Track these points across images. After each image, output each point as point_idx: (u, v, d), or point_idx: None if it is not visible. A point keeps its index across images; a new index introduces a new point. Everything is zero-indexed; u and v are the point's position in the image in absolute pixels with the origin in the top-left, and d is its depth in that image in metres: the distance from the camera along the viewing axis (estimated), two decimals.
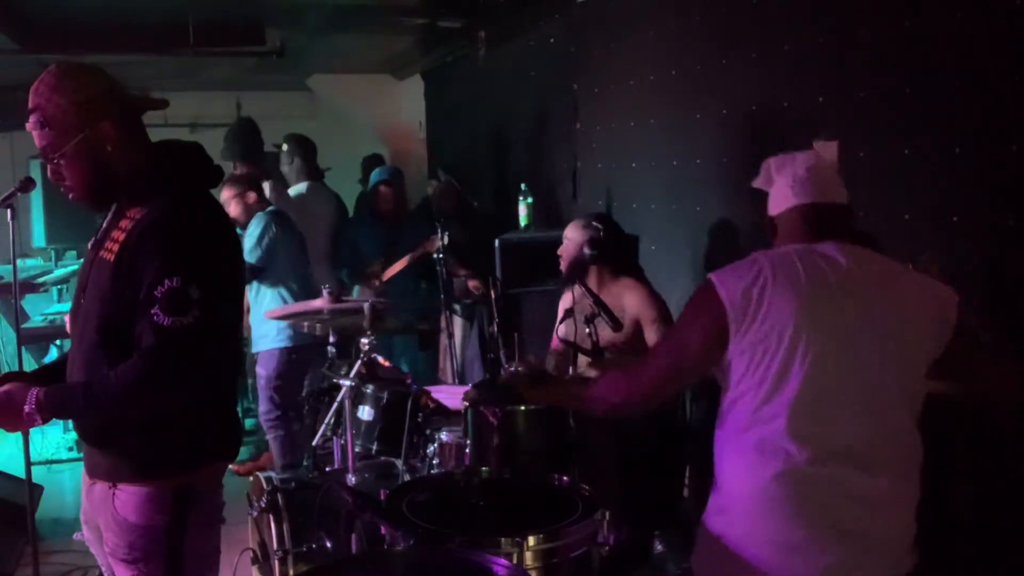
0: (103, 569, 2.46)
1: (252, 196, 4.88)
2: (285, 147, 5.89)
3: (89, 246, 2.36)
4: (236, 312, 2.41)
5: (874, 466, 2.05)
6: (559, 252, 3.82)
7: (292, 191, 5.79)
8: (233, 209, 4.81)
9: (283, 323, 4.71)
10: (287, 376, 4.89)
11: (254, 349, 5.00)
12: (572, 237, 3.77)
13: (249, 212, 4.86)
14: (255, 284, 4.87)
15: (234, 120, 5.88)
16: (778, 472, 2.04)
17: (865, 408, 2.05)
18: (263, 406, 4.94)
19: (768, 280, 2.08)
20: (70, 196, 2.27)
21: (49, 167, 2.23)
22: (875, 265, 2.16)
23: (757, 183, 2.32)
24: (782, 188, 2.23)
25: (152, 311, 2.09)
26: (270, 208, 4.92)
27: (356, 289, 5.72)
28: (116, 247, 2.19)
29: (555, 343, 3.85)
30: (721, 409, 2.18)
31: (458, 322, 5.63)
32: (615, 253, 3.78)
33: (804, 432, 2.04)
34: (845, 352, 2.06)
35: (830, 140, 2.26)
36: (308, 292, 4.82)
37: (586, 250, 3.69)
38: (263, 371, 4.88)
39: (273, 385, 4.86)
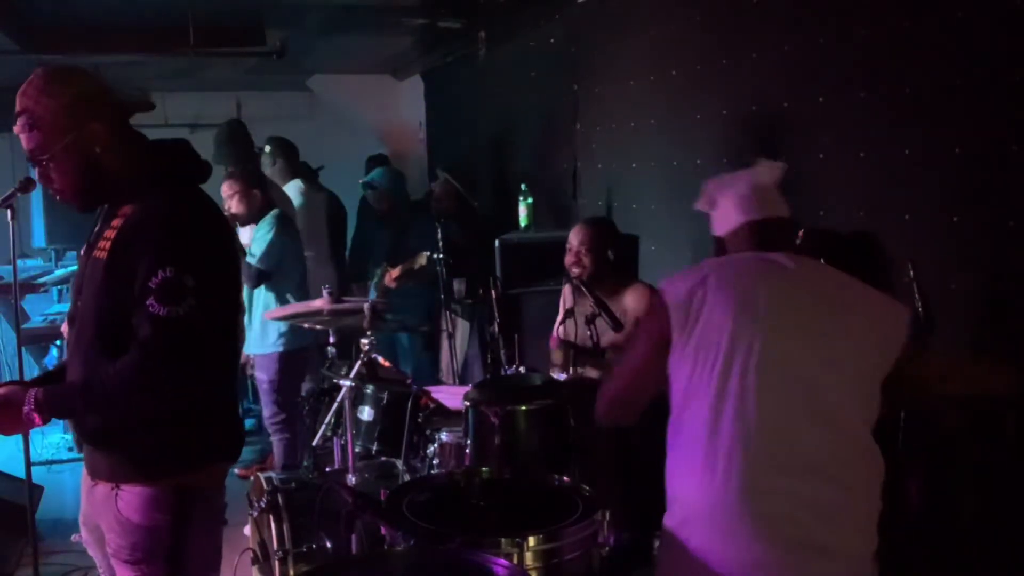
0: (102, 571, 2.46)
1: (258, 195, 4.86)
2: (267, 149, 5.92)
3: (82, 251, 2.36)
4: (233, 305, 2.41)
5: (830, 477, 2.02)
6: (575, 262, 3.73)
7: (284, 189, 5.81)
8: (236, 205, 4.78)
9: (280, 327, 4.72)
10: (288, 379, 4.89)
11: (249, 351, 4.98)
12: (592, 241, 3.70)
13: (253, 210, 4.83)
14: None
15: (219, 126, 5.82)
16: (730, 486, 2.01)
17: (818, 419, 2.02)
18: (268, 410, 4.93)
19: (710, 285, 2.08)
20: (58, 197, 2.28)
21: (38, 169, 2.23)
22: (825, 277, 2.16)
23: (699, 206, 2.34)
24: (727, 209, 2.24)
25: (147, 302, 2.09)
26: (277, 211, 4.88)
27: (374, 283, 5.72)
28: (108, 244, 2.19)
29: (553, 342, 3.85)
30: (670, 423, 2.17)
31: (458, 322, 5.64)
32: (621, 252, 3.79)
33: (756, 443, 2.01)
34: (793, 362, 2.03)
35: (776, 160, 2.31)
36: (305, 294, 4.82)
37: (609, 252, 3.68)
38: (264, 375, 4.87)
39: (276, 388, 4.86)
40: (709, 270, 2.13)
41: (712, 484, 2.03)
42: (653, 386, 2.25)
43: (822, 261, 2.29)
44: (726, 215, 2.24)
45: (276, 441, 4.96)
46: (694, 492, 2.07)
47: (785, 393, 2.03)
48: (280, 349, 4.79)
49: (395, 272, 5.45)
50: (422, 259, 5.16)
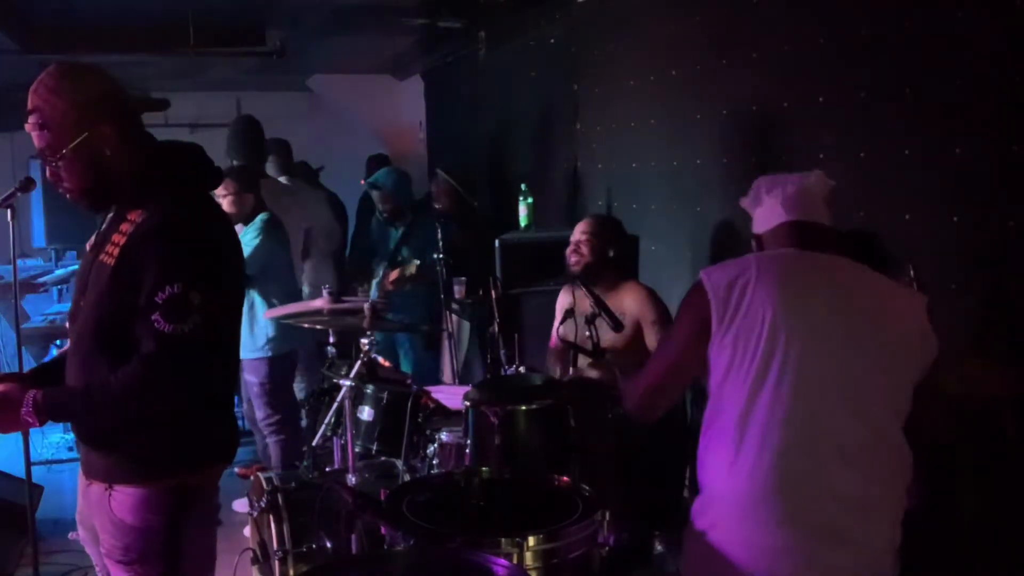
0: (99, 570, 2.46)
1: (251, 198, 4.85)
2: None
3: (87, 248, 2.36)
4: (235, 315, 2.41)
5: (860, 468, 2.05)
6: (574, 249, 3.74)
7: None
8: (228, 206, 4.76)
9: (269, 331, 4.73)
10: (279, 380, 4.90)
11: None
12: (597, 233, 3.71)
13: (243, 213, 4.81)
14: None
15: (234, 119, 5.84)
16: (761, 471, 2.04)
17: (853, 410, 2.05)
18: (261, 412, 4.90)
19: (753, 276, 2.10)
20: (67, 197, 2.27)
21: (47, 168, 2.23)
22: (864, 277, 2.18)
23: (745, 203, 2.36)
24: (772, 207, 2.26)
25: (153, 317, 2.09)
26: (265, 215, 4.88)
27: (376, 282, 5.73)
28: (116, 251, 2.18)
29: (553, 342, 3.85)
30: (707, 412, 2.18)
31: (459, 322, 5.63)
32: (624, 255, 3.79)
33: (790, 430, 2.03)
34: (830, 353, 2.06)
35: (830, 179, 2.36)
36: (294, 297, 4.82)
37: (611, 250, 3.68)
38: (255, 378, 4.85)
39: (268, 391, 4.85)
40: (753, 263, 2.15)
41: (742, 470, 2.06)
42: (690, 376, 2.28)
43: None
44: (769, 213, 2.27)
45: (272, 443, 4.95)
46: (725, 478, 2.10)
47: (821, 386, 2.05)
48: (270, 354, 4.79)
49: (392, 275, 5.47)
50: (412, 267, 5.26)
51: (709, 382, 2.17)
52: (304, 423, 4.97)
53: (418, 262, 5.15)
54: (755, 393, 2.06)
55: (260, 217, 4.83)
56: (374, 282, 5.77)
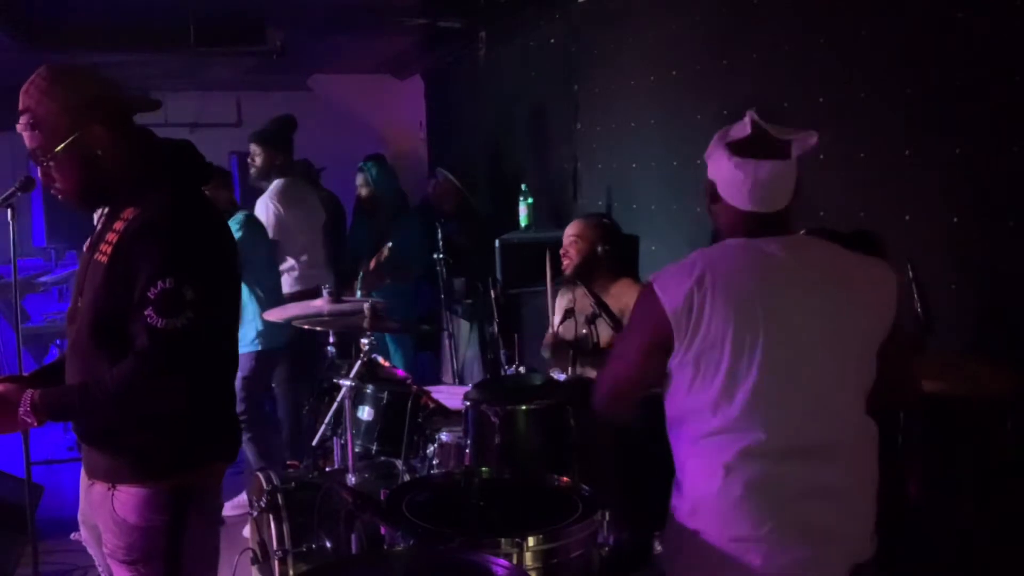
0: (101, 570, 2.46)
1: (224, 195, 4.81)
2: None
3: (84, 249, 2.36)
4: (233, 311, 2.40)
5: (831, 457, 2.05)
6: (565, 250, 3.79)
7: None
8: None
9: (258, 325, 4.74)
10: (260, 376, 4.92)
11: None
12: (583, 235, 3.75)
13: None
14: None
15: (280, 115, 5.86)
16: (739, 473, 2.03)
17: (819, 401, 2.05)
18: (237, 407, 4.87)
19: (708, 287, 2.04)
20: (60, 197, 2.27)
21: (39, 169, 2.23)
22: (819, 255, 2.14)
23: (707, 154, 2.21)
24: (735, 183, 2.10)
25: (146, 312, 2.08)
26: (245, 212, 4.90)
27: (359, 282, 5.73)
28: (109, 249, 2.18)
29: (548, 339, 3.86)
30: (670, 416, 2.17)
31: (458, 322, 5.64)
32: (618, 252, 3.80)
33: (759, 433, 2.03)
34: (793, 348, 2.04)
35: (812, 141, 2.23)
36: (276, 299, 4.81)
37: (599, 248, 3.70)
38: (239, 372, 4.83)
39: (245, 385, 4.83)
40: (703, 269, 2.07)
41: (720, 474, 2.05)
42: (649, 383, 2.24)
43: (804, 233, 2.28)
44: (731, 187, 2.12)
45: (246, 439, 4.92)
46: (704, 481, 2.09)
47: (789, 389, 2.04)
48: (258, 348, 4.80)
49: (371, 265, 5.46)
50: (385, 250, 5.22)
51: (670, 389, 2.14)
52: (282, 422, 4.99)
53: (391, 244, 5.15)
54: (724, 404, 2.04)
55: (242, 213, 4.86)
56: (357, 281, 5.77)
